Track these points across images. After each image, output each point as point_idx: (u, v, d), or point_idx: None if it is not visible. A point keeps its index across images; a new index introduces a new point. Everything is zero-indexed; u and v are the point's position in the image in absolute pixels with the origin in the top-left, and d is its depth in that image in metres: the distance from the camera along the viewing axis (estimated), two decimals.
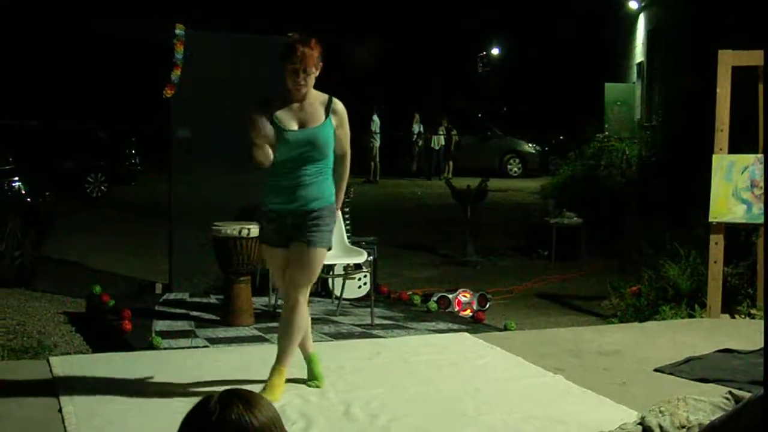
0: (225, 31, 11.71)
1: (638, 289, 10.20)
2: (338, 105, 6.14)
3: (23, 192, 11.47)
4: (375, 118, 29.12)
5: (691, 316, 9.03)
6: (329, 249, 6.11)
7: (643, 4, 22.93)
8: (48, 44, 32.87)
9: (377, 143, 29.00)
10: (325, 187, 6.03)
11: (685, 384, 6.32)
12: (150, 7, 31.07)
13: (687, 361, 6.92)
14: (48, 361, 6.90)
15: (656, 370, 6.77)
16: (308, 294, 6.11)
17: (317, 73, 6.04)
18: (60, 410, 5.64)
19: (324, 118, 6.04)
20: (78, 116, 27.13)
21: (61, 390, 6.03)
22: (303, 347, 6.34)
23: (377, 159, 29.02)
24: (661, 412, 5.08)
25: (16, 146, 13.11)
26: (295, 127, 6.00)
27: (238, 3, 33.60)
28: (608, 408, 5.82)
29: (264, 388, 5.87)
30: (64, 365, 6.71)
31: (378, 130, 29.06)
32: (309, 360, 6.40)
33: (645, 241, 12.04)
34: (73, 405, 5.72)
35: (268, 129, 5.89)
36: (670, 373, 6.67)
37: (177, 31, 9.61)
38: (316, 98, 6.11)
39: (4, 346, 8.03)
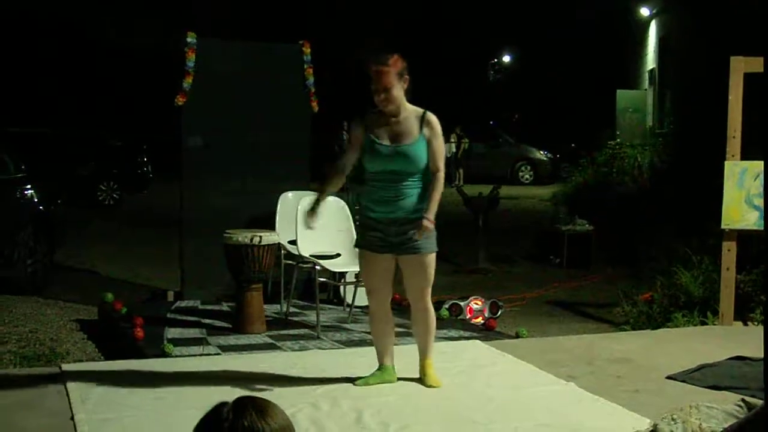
0: (237, 39, 11.74)
1: (650, 296, 10.17)
2: (431, 117, 6.34)
3: (35, 200, 11.50)
4: None
5: (703, 324, 9.01)
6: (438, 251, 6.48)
7: (654, 11, 22.91)
8: (59, 52, 32.97)
9: None
10: (425, 197, 6.25)
11: (698, 391, 6.31)
12: (161, 16, 31.15)
13: (699, 368, 6.90)
14: (60, 368, 6.92)
15: (668, 377, 6.76)
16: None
17: (405, 87, 6.27)
18: (72, 417, 5.65)
19: (417, 133, 6.26)
20: (90, 124, 27.22)
21: (74, 397, 6.04)
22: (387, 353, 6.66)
23: None
24: (673, 419, 5.07)
25: (28, 154, 13.13)
26: (387, 141, 6.25)
27: (252, 12, 33.66)
28: (620, 415, 5.81)
29: (424, 379, 6.44)
30: (76, 372, 6.72)
31: None
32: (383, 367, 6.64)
33: (657, 248, 12.01)
34: (85, 412, 5.73)
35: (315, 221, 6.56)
36: (683, 381, 6.66)
37: (188, 39, 9.63)
38: (411, 113, 6.32)
39: (17, 353, 8.05)
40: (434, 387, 6.43)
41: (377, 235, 6.32)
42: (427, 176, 6.28)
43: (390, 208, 6.25)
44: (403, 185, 6.23)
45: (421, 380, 6.53)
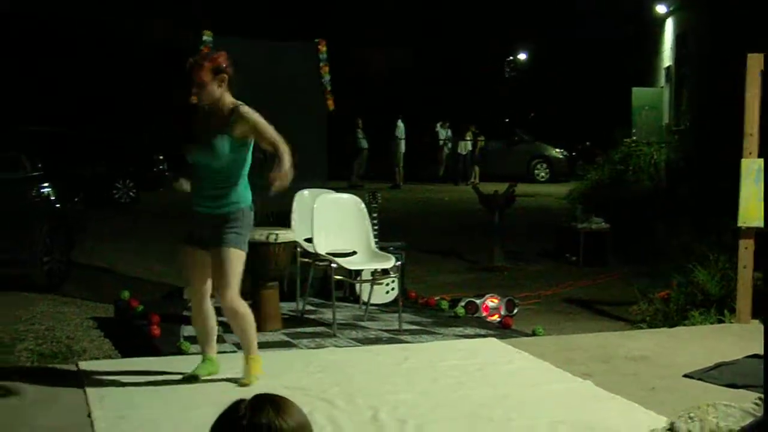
0: (252, 37, 11.74)
1: (667, 294, 10.14)
2: (240, 110, 6.39)
3: (52, 198, 11.54)
4: (399, 123, 29.16)
5: (720, 322, 8.97)
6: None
7: (671, 8, 22.83)
8: (77, 50, 33.05)
9: (402, 149, 29.03)
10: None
11: (715, 390, 6.28)
12: (178, 13, 31.22)
13: (716, 366, 6.88)
14: (77, 365, 6.94)
15: (685, 375, 6.74)
16: None
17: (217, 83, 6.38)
18: (89, 415, 5.67)
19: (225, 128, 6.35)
20: (106, 122, 27.28)
21: (91, 395, 6.06)
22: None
23: (401, 164, 29.05)
24: (690, 418, 5.06)
25: (45, 153, 13.18)
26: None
27: (268, 10, 33.71)
28: (637, 414, 5.80)
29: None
30: (93, 370, 6.74)
31: (402, 136, 29.08)
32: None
33: (673, 246, 11.98)
34: (102, 409, 5.75)
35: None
36: (700, 379, 6.64)
37: (204, 38, 9.66)
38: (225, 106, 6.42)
39: (34, 350, 8.09)
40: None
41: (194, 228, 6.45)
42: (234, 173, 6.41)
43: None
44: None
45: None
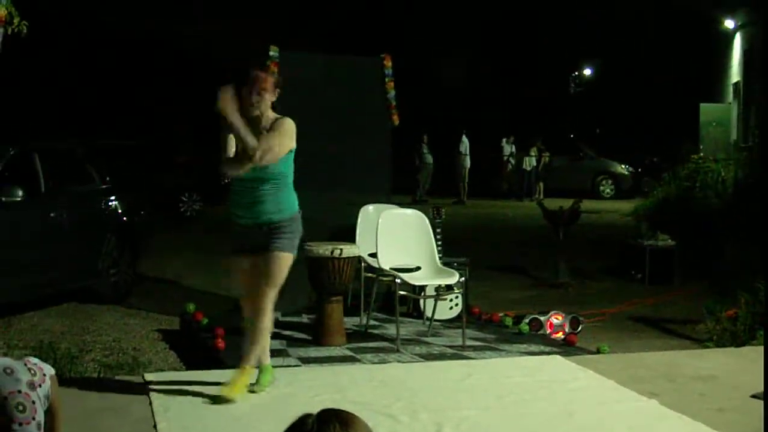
0: (318, 52, 11.79)
1: (735, 313, 10.01)
2: (284, 120, 6.63)
3: (120, 211, 11.67)
4: (464, 139, 29.11)
5: None
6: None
7: (739, 24, 22.62)
8: (147, 64, 33.46)
9: (467, 164, 28.98)
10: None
11: None
12: (244, 29, 31.45)
13: None
14: (143, 377, 7.01)
15: (753, 396, 6.64)
16: None
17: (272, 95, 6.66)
18: (155, 426, 5.72)
19: None
20: (172, 136, 27.55)
21: (156, 406, 6.12)
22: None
23: (466, 180, 29.00)
24: None
25: (113, 166, 13.33)
26: None
27: (334, 24, 33.90)
28: None
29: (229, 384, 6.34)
30: (158, 381, 6.80)
31: (467, 152, 29.03)
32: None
33: (741, 264, 11.82)
34: (167, 421, 5.80)
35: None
36: None
37: (271, 53, 9.72)
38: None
39: (101, 362, 8.18)
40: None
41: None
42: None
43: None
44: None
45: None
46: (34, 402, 3.53)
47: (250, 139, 6.32)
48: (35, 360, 3.73)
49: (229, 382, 6.39)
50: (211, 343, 8.26)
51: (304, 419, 2.36)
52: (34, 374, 3.61)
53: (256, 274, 6.55)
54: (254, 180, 6.53)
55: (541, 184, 30.10)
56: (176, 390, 6.54)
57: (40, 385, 3.61)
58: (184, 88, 32.92)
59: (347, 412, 2.39)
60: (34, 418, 3.51)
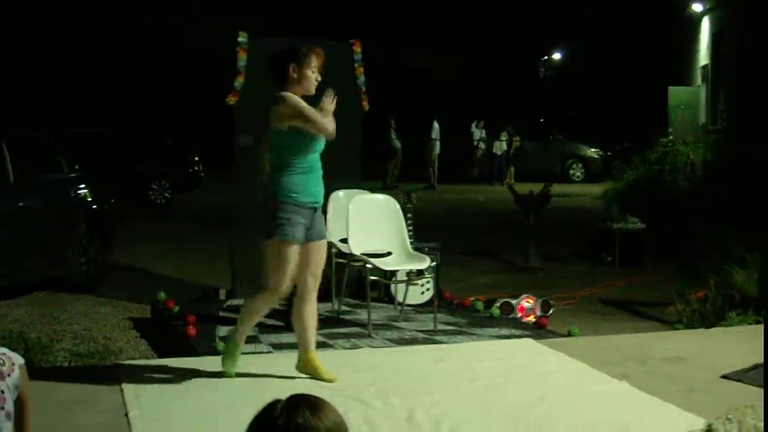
0: (288, 38, 11.74)
1: (704, 294, 10.07)
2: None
3: (89, 199, 11.61)
4: (435, 124, 29.13)
5: (758, 323, 8.89)
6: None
7: (707, 7, 22.70)
8: (113, 53, 33.30)
9: (437, 149, 29.01)
10: None
11: (753, 391, 6.22)
12: (216, 17, 31.37)
13: (755, 367, 6.81)
14: (114, 365, 6.99)
15: (723, 376, 6.69)
16: None
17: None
18: (126, 414, 5.70)
19: None
20: (142, 124, 27.46)
21: (127, 394, 6.10)
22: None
23: (436, 165, 29.04)
24: (728, 419, 5.02)
25: (82, 154, 13.26)
26: None
27: (302, 10, 33.82)
28: (674, 415, 5.77)
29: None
30: (130, 370, 6.78)
31: (437, 136, 29.06)
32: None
33: (710, 247, 11.90)
34: (139, 409, 5.79)
35: None
36: (738, 380, 6.59)
37: (240, 39, 9.67)
38: None
39: (71, 351, 8.14)
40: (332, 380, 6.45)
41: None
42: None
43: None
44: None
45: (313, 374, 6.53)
46: (2, 391, 3.51)
47: (323, 119, 6.63)
48: (4, 349, 3.70)
49: (317, 368, 6.49)
50: (182, 330, 8.24)
51: (273, 405, 2.36)
52: (3, 364, 3.59)
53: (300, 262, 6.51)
54: (318, 159, 6.60)
55: (512, 169, 30.14)
56: (147, 378, 6.52)
57: (9, 375, 3.59)
58: (183, 85, 32.89)
59: (316, 397, 2.39)
60: (3, 408, 3.49)
